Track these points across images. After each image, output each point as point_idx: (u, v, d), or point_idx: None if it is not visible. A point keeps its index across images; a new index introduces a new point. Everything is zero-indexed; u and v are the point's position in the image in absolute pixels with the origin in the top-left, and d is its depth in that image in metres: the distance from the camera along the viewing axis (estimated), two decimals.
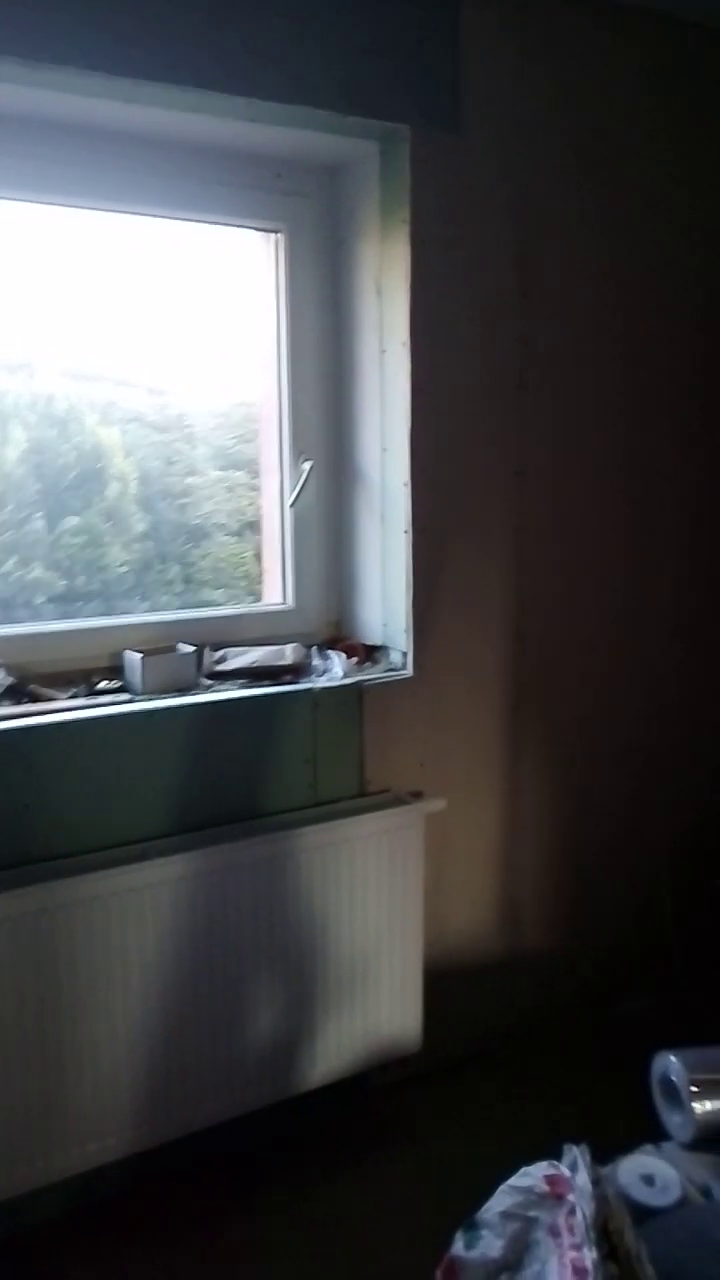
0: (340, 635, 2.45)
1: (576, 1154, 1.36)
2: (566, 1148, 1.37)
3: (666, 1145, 1.63)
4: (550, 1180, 1.35)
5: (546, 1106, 2.36)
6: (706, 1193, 1.52)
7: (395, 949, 2.19)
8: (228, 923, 1.98)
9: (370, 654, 2.37)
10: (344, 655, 2.30)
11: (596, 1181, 1.31)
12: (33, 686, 2.03)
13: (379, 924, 2.16)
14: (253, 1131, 2.13)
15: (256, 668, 2.20)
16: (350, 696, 2.19)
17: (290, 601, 2.41)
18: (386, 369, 2.23)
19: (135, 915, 1.87)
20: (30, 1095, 1.83)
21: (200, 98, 1.86)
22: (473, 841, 2.43)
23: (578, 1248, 1.25)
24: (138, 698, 2.05)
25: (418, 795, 2.28)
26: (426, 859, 2.23)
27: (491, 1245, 1.34)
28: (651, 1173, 1.51)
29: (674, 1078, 1.63)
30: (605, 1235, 1.26)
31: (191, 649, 2.17)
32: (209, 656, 2.22)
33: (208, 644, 2.25)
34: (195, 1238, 1.98)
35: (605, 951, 2.70)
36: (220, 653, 2.25)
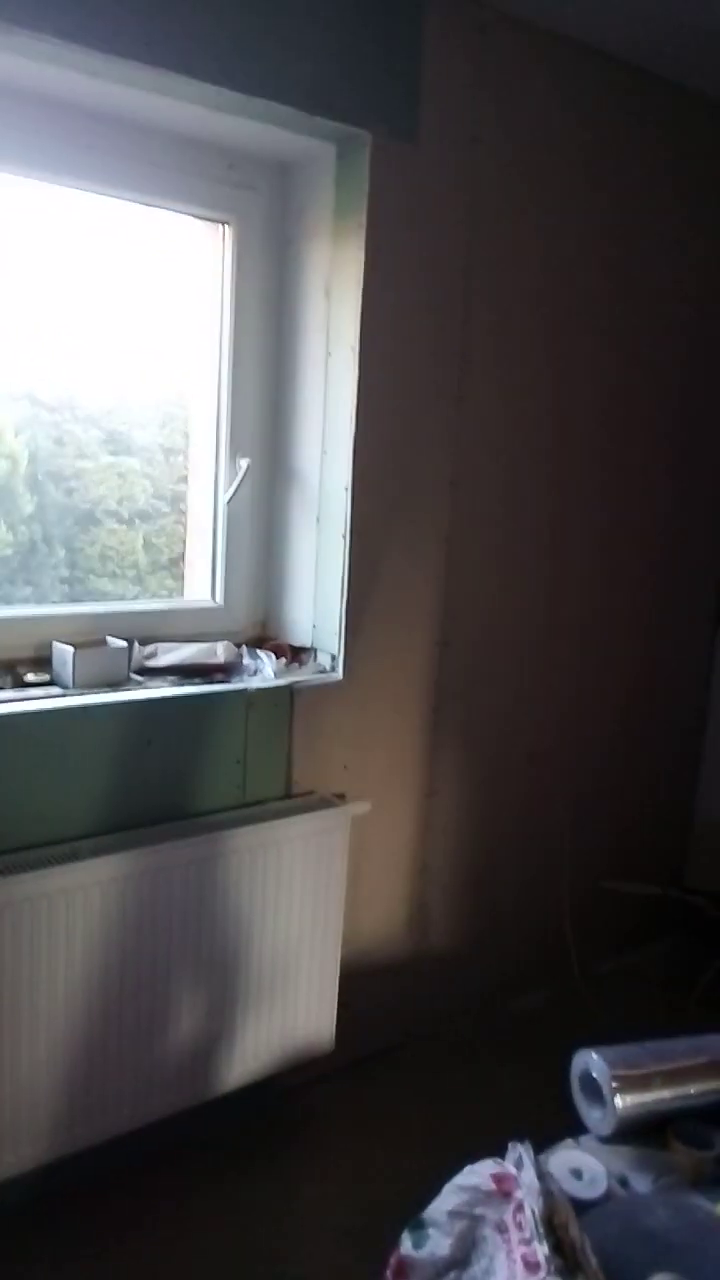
0: (266, 635, 2.45)
1: (521, 1151, 1.41)
2: (511, 1145, 1.42)
3: (584, 1139, 1.70)
4: (497, 1178, 1.39)
5: (454, 1103, 2.43)
6: (624, 1183, 1.61)
7: (315, 951, 2.21)
8: (155, 925, 1.94)
9: (297, 655, 2.38)
10: (273, 655, 2.30)
11: (541, 1177, 1.37)
12: None
13: (301, 926, 2.17)
14: (165, 1135, 2.10)
15: (188, 665, 2.17)
16: (282, 698, 2.19)
17: (219, 599, 2.38)
18: (331, 372, 2.24)
19: (64, 917, 1.82)
20: None
21: (170, 80, 1.82)
22: (387, 843, 2.47)
23: (527, 1242, 1.30)
24: (69, 692, 1.99)
25: (341, 797, 2.30)
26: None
27: (439, 1244, 1.37)
28: (579, 1166, 1.58)
29: (595, 1074, 1.70)
30: (551, 1229, 1.32)
31: (122, 643, 2.12)
32: (139, 651, 2.18)
33: (135, 638, 2.21)
34: (108, 1246, 1.95)
35: (506, 950, 2.80)
36: (150, 648, 2.20)
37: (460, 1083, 2.51)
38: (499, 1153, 1.43)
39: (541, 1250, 1.26)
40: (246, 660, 2.28)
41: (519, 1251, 1.30)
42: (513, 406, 2.48)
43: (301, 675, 2.27)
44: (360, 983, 2.43)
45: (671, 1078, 1.66)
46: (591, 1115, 1.71)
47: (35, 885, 1.78)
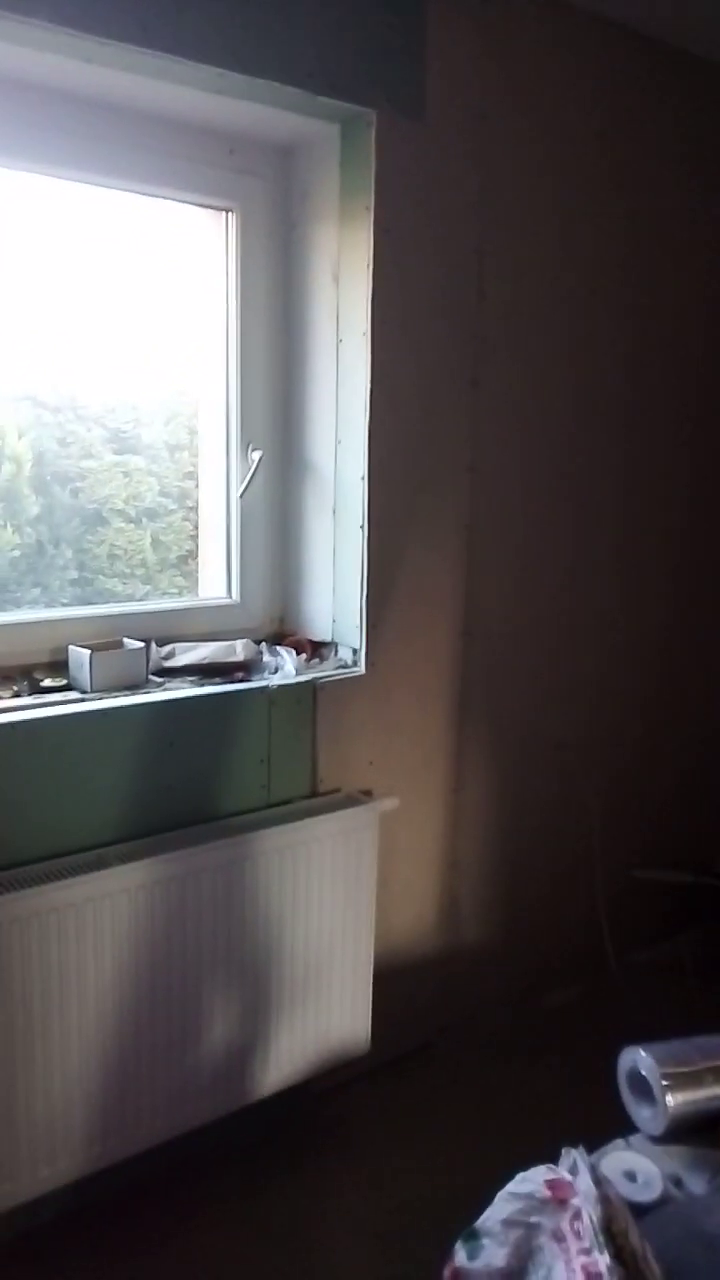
0: (285, 631, 2.40)
1: (576, 1157, 1.36)
2: (565, 1151, 1.37)
3: (634, 1139, 1.66)
4: (551, 1185, 1.34)
5: (491, 1102, 2.39)
6: (679, 1183, 1.56)
7: (347, 951, 2.16)
8: (185, 931, 1.90)
9: (317, 650, 2.33)
10: (293, 651, 2.25)
11: (598, 1183, 1.32)
12: None
13: (333, 926, 2.13)
14: (199, 1144, 2.06)
15: (207, 664, 2.12)
16: (305, 694, 2.15)
17: (235, 596, 2.34)
18: (343, 359, 2.18)
19: (93, 927, 1.77)
20: None
21: (169, 64, 1.77)
22: (416, 839, 2.42)
23: (587, 1252, 1.25)
24: (88, 696, 1.94)
25: (368, 794, 2.25)
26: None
27: (495, 1254, 1.32)
28: (633, 1169, 1.53)
29: (644, 1072, 1.65)
30: (610, 1237, 1.27)
31: (139, 644, 2.08)
32: (156, 652, 2.13)
33: (151, 639, 2.16)
34: (141, 1259, 1.91)
35: (539, 944, 2.75)
36: (168, 648, 2.16)
37: (497, 1081, 2.46)
38: (539, 1154, 1.39)
39: (603, 1260, 1.22)
40: (266, 657, 2.24)
41: (579, 1261, 1.25)
42: (530, 389, 2.42)
43: (323, 671, 2.22)
44: (393, 981, 2.39)
45: None
46: (641, 1114, 1.66)
47: (62, 895, 1.74)
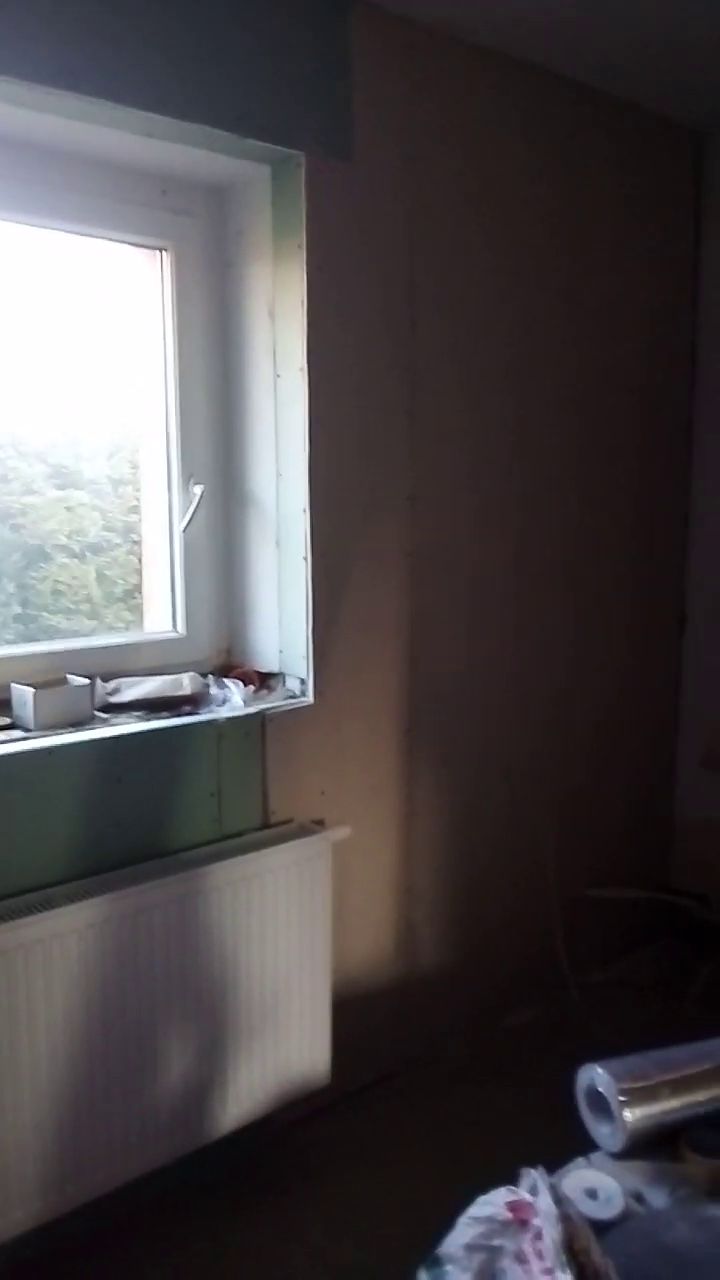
0: (233, 663, 2.40)
1: (536, 1177, 1.36)
2: (524, 1172, 1.38)
3: (595, 1156, 1.66)
4: (512, 1206, 1.34)
5: (454, 1129, 2.37)
6: (640, 1199, 1.56)
7: (305, 983, 2.15)
8: (138, 969, 1.88)
9: (265, 681, 2.33)
10: (240, 683, 2.25)
11: (559, 1202, 1.32)
12: None
13: (289, 958, 2.11)
14: (160, 1184, 2.02)
15: (154, 699, 2.12)
16: (253, 726, 2.15)
17: (181, 629, 2.33)
18: (281, 394, 2.21)
19: (42, 969, 1.74)
20: None
21: (98, 107, 1.79)
22: (370, 867, 2.42)
23: (549, 1272, 1.25)
24: (31, 734, 1.92)
25: (320, 824, 2.25)
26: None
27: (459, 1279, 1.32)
28: (594, 1186, 1.53)
29: (602, 1089, 1.66)
30: (572, 1255, 1.27)
31: (84, 681, 2.06)
32: (101, 688, 2.12)
33: (95, 675, 2.15)
34: None
35: (497, 966, 2.75)
36: (113, 684, 2.15)
37: (459, 1107, 2.45)
38: (505, 1177, 1.39)
39: (565, 1279, 1.22)
40: (214, 690, 2.23)
41: None
42: (467, 418, 2.47)
43: (271, 702, 2.22)
44: (352, 1011, 2.37)
45: (679, 1086, 1.63)
46: (600, 1131, 1.67)
47: (9, 937, 1.71)
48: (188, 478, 2.29)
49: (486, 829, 2.68)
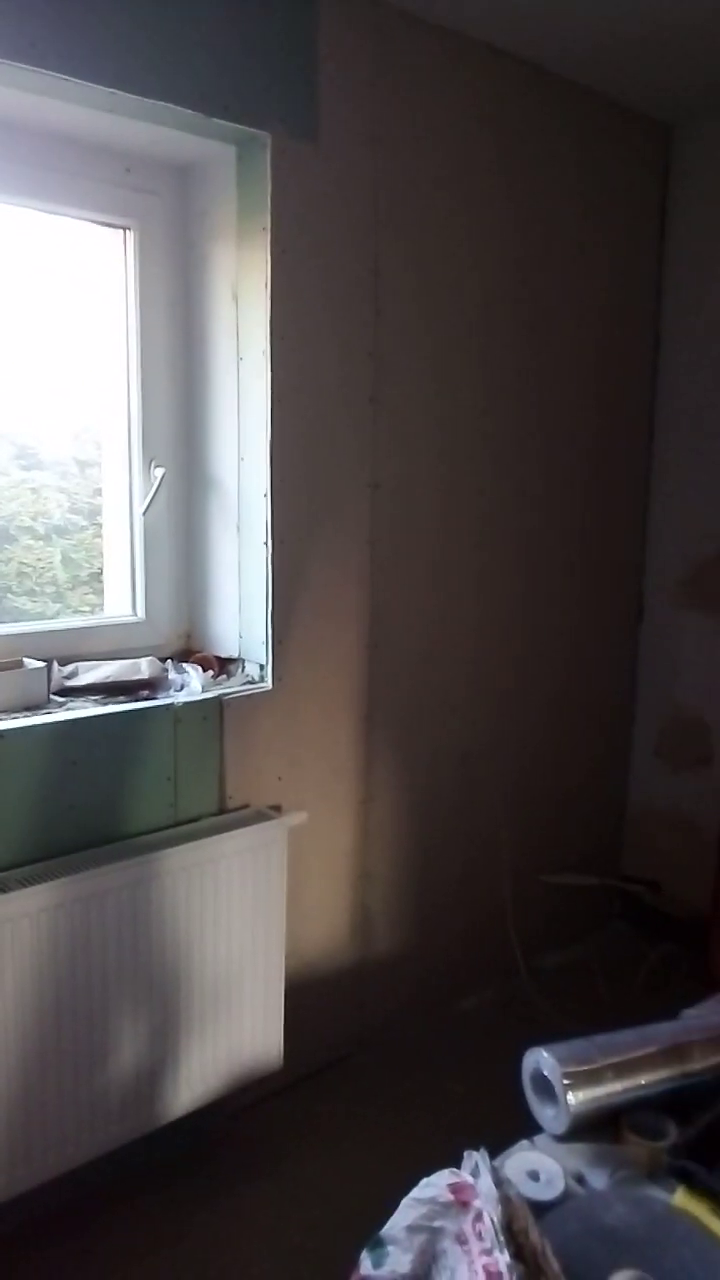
0: (192, 648, 2.39)
1: (477, 1159, 1.38)
2: (466, 1154, 1.40)
3: (539, 1138, 1.69)
4: (454, 1188, 1.37)
5: (407, 1112, 2.40)
6: (581, 1180, 1.60)
7: (258, 968, 2.16)
8: (91, 954, 1.88)
9: (224, 666, 2.33)
10: (199, 668, 2.25)
11: (499, 1184, 1.35)
12: None
13: (243, 943, 2.12)
14: (111, 1169, 2.03)
15: (111, 683, 2.11)
16: (211, 711, 2.14)
17: (140, 613, 2.32)
18: (244, 377, 2.20)
19: None
20: None
21: (60, 82, 1.76)
22: (327, 852, 2.44)
23: (488, 1252, 1.27)
24: None
25: (277, 809, 2.25)
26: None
27: (400, 1260, 1.34)
28: (535, 1168, 1.56)
29: (546, 1072, 1.69)
30: (511, 1235, 1.30)
31: (40, 664, 2.05)
32: (58, 671, 2.10)
33: (53, 658, 2.13)
34: None
35: (451, 951, 2.78)
36: (70, 667, 2.13)
37: (412, 1090, 2.48)
38: (454, 1159, 1.41)
39: (503, 1259, 1.24)
40: (172, 674, 2.23)
41: (480, 1262, 1.27)
42: (429, 405, 2.47)
43: (230, 687, 2.22)
44: (307, 995, 2.39)
45: (622, 1070, 1.66)
46: (545, 1114, 1.70)
47: None
48: (149, 460, 2.27)
49: (443, 814, 2.70)
